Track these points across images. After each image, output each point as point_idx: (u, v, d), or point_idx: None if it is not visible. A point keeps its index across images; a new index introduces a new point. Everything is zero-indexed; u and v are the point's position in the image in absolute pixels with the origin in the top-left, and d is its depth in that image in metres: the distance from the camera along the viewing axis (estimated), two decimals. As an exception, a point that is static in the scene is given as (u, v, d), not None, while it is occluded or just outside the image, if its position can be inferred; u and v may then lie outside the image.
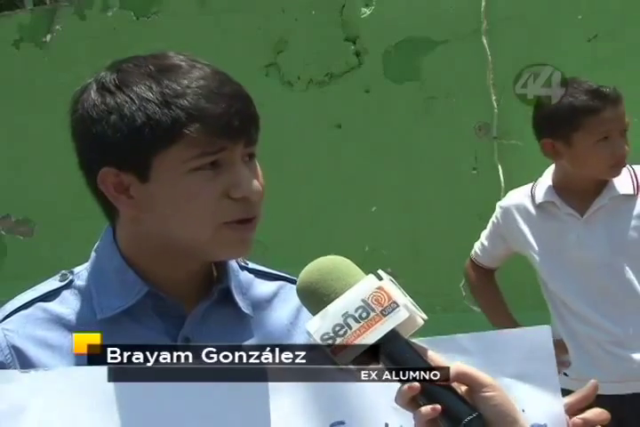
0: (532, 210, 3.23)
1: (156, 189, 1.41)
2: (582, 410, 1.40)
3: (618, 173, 3.12)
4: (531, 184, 3.28)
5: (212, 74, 1.42)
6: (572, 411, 1.40)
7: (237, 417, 1.30)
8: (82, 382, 1.28)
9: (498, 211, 3.35)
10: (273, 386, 1.29)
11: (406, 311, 1.18)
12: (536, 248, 3.23)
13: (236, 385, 1.30)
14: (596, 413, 1.40)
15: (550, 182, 3.22)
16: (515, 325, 3.30)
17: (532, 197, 3.23)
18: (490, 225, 3.41)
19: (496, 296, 3.48)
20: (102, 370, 1.27)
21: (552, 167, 3.25)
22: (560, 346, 3.06)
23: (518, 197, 3.31)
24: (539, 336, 1.41)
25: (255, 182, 1.43)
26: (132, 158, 1.40)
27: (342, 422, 1.32)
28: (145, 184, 1.41)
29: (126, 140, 1.38)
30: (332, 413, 1.32)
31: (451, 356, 1.33)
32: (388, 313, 1.18)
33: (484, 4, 4.51)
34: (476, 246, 3.49)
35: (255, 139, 1.45)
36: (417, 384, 1.17)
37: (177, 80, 1.39)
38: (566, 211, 3.16)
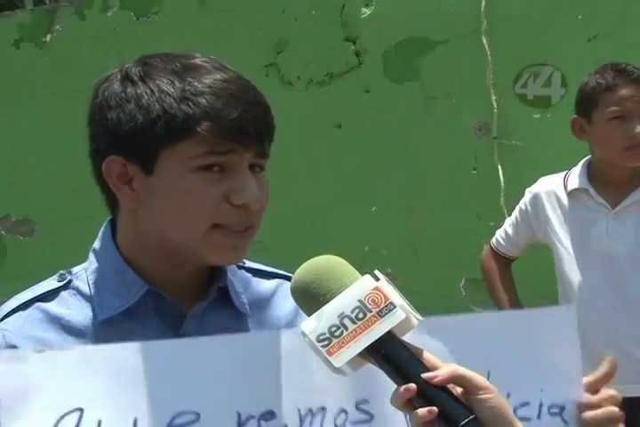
0: (564, 197, 3.19)
1: (157, 184, 1.41)
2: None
3: (637, 158, 3.06)
4: (564, 172, 3.25)
5: (236, 79, 1.43)
6: (592, 390, 1.40)
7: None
8: (96, 362, 1.27)
9: (527, 196, 3.30)
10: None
11: (403, 312, 1.18)
12: (561, 236, 3.19)
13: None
14: (606, 395, 1.40)
15: (585, 170, 3.18)
16: None
17: (565, 184, 3.19)
18: (516, 211, 3.35)
19: (512, 288, 3.41)
20: (116, 349, 1.29)
21: (588, 157, 3.22)
22: None
23: (550, 183, 3.26)
24: (563, 317, 1.41)
25: (258, 191, 1.42)
26: (141, 149, 1.40)
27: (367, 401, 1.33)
28: (148, 177, 1.41)
29: (139, 130, 1.39)
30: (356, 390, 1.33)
31: (471, 334, 1.34)
32: (385, 314, 1.18)
33: (483, 4, 4.51)
34: (499, 234, 3.43)
35: (267, 151, 1.45)
36: (413, 386, 1.16)
37: (200, 79, 1.40)
38: (598, 200, 3.11)
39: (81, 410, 1.25)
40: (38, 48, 5.28)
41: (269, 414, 1.29)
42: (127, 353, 1.29)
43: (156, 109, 1.38)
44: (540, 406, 1.39)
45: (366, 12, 4.75)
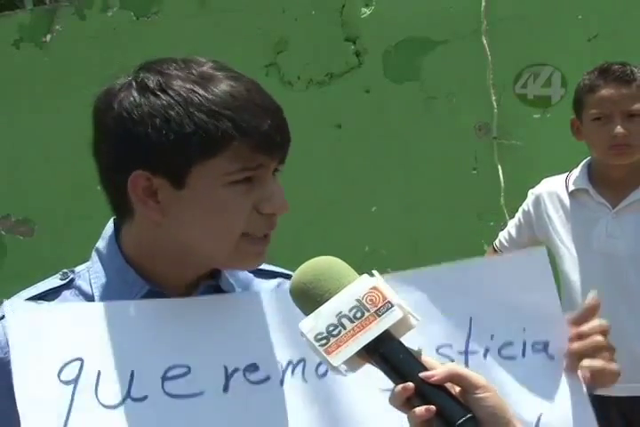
0: (565, 198, 3.20)
1: (188, 197, 1.39)
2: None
3: (621, 157, 3.07)
4: (566, 173, 3.26)
5: (255, 86, 1.42)
6: (580, 323, 1.42)
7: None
8: (95, 317, 1.36)
9: (529, 198, 3.31)
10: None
11: (400, 311, 1.18)
12: (562, 236, 3.19)
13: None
14: (591, 325, 1.43)
15: (586, 170, 3.19)
16: None
17: (566, 184, 3.20)
18: (519, 213, 3.36)
19: None
20: (114, 306, 1.38)
21: (589, 158, 3.23)
22: None
23: (552, 184, 3.27)
24: (535, 258, 1.44)
25: (282, 198, 1.43)
26: (172, 164, 1.38)
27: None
28: (178, 191, 1.39)
29: (171, 146, 1.36)
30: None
31: (450, 283, 1.40)
32: (383, 313, 1.18)
33: (483, 4, 4.51)
34: (501, 236, 3.43)
35: (286, 156, 1.46)
36: (411, 385, 1.16)
37: (222, 89, 1.38)
38: (598, 200, 3.12)
39: (81, 360, 1.32)
40: (38, 48, 5.28)
41: (253, 367, 1.37)
42: (124, 310, 1.37)
43: (186, 124, 1.35)
44: (524, 344, 1.42)
45: (366, 12, 4.75)
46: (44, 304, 1.38)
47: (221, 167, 1.37)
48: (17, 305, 1.36)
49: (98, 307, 1.38)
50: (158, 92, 1.39)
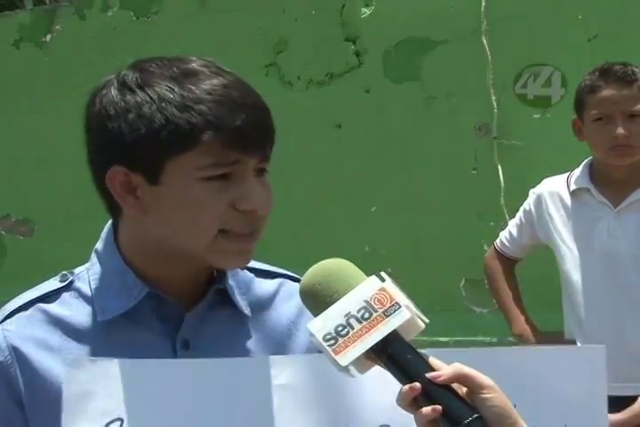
0: (566, 197, 3.21)
1: (164, 193, 1.39)
2: None
3: (622, 157, 3.08)
4: (568, 172, 3.27)
5: (236, 83, 1.41)
6: None
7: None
8: (138, 374, 1.33)
9: (530, 197, 3.32)
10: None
11: (408, 312, 1.18)
12: (564, 235, 3.20)
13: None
14: None
15: (587, 170, 3.20)
16: (530, 322, 3.30)
17: (568, 184, 3.21)
18: (520, 213, 3.37)
19: (515, 289, 3.42)
20: (157, 364, 1.36)
21: (591, 157, 3.24)
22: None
23: (553, 183, 3.27)
24: (592, 355, 1.41)
25: (264, 197, 1.42)
26: (145, 159, 1.38)
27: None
28: (154, 187, 1.39)
29: (142, 141, 1.36)
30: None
31: (498, 367, 1.33)
32: (391, 314, 1.18)
33: (483, 4, 4.52)
34: (502, 235, 3.43)
35: (269, 154, 1.44)
36: (418, 385, 1.16)
37: (199, 85, 1.37)
38: (600, 199, 3.13)
39: (121, 420, 1.31)
40: (38, 48, 5.28)
41: None
42: (166, 369, 1.35)
43: (157, 119, 1.35)
44: None
45: (366, 12, 4.75)
46: (97, 361, 1.35)
47: (193, 162, 1.36)
48: (73, 361, 1.35)
49: (142, 364, 1.36)
50: (136, 89, 1.39)
